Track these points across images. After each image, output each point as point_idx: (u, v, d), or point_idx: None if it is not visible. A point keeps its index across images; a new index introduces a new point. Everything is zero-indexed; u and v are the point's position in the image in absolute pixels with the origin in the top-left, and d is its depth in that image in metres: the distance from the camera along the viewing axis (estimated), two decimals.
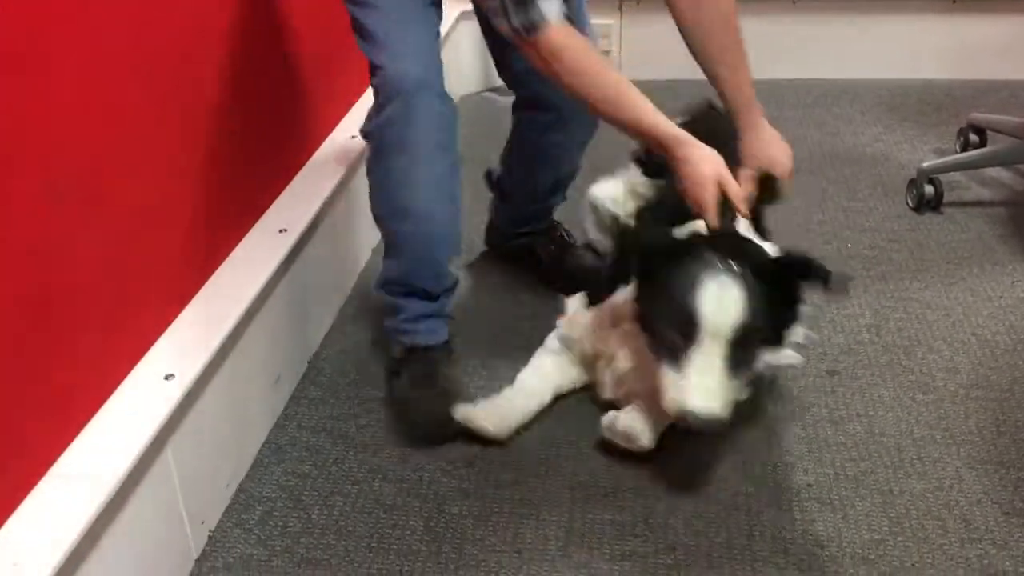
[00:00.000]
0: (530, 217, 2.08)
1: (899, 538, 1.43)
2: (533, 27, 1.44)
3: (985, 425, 1.65)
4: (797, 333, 1.53)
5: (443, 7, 1.66)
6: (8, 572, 1.05)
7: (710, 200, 1.44)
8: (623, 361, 1.60)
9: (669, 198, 1.62)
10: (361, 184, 2.10)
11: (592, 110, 1.53)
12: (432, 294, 1.68)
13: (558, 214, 2.10)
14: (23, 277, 1.12)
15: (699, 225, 1.52)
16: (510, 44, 1.50)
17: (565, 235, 2.10)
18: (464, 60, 2.99)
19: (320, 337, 1.92)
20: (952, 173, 2.43)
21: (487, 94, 3.05)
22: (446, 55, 1.66)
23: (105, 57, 1.27)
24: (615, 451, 1.60)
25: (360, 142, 2.09)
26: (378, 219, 1.68)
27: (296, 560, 1.41)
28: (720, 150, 1.49)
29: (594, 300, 1.69)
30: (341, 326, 1.96)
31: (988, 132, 2.59)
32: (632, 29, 3.10)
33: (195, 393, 1.39)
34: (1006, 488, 1.51)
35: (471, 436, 1.61)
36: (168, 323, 1.46)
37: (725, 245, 1.43)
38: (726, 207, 1.46)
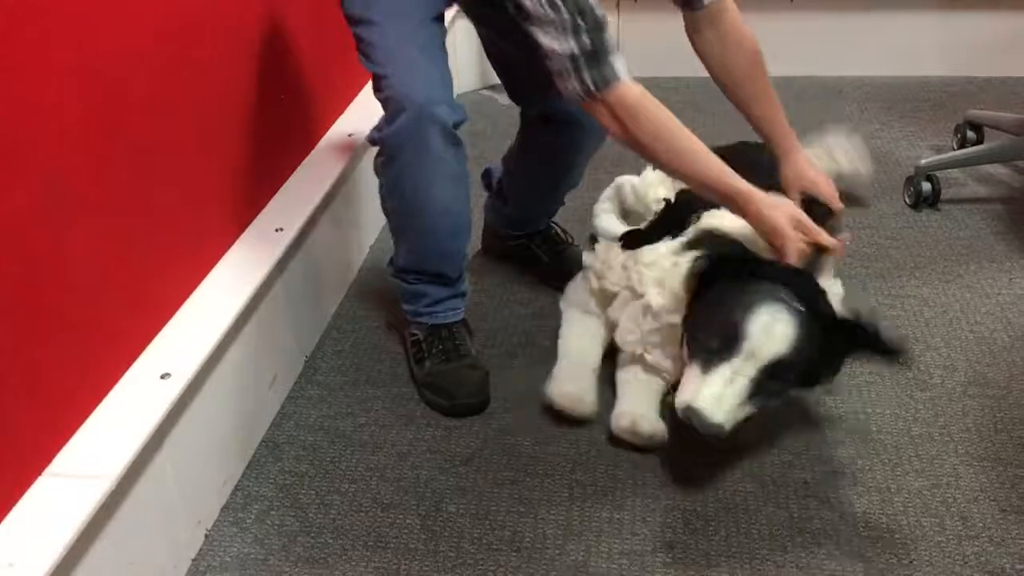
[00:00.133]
0: (530, 220, 2.08)
1: (897, 536, 1.43)
2: (606, 84, 1.43)
3: (983, 422, 1.65)
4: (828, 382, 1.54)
5: (444, 20, 1.65)
6: (4, 572, 1.05)
7: (791, 248, 1.44)
8: (656, 298, 1.61)
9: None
10: (358, 183, 2.11)
11: (658, 162, 1.53)
12: (451, 278, 1.72)
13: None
14: (18, 276, 1.12)
15: (715, 220, 1.53)
16: (520, 66, 1.48)
17: (563, 233, 2.10)
18: (460, 58, 2.98)
19: (317, 336, 1.91)
20: (950, 170, 2.43)
21: (484, 92, 3.05)
22: None
23: (100, 56, 1.26)
24: (612, 450, 1.60)
25: (357, 140, 2.10)
26: (391, 214, 1.69)
27: (293, 559, 1.41)
28: (759, 182, 1.51)
29: (632, 244, 1.73)
30: (338, 325, 1.96)
31: (985, 129, 2.59)
32: (630, 26, 3.09)
33: (191, 392, 1.39)
34: (1003, 485, 1.51)
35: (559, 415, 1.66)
36: (164, 322, 1.46)
37: (797, 282, 1.44)
38: (817, 254, 1.48)
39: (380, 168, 1.63)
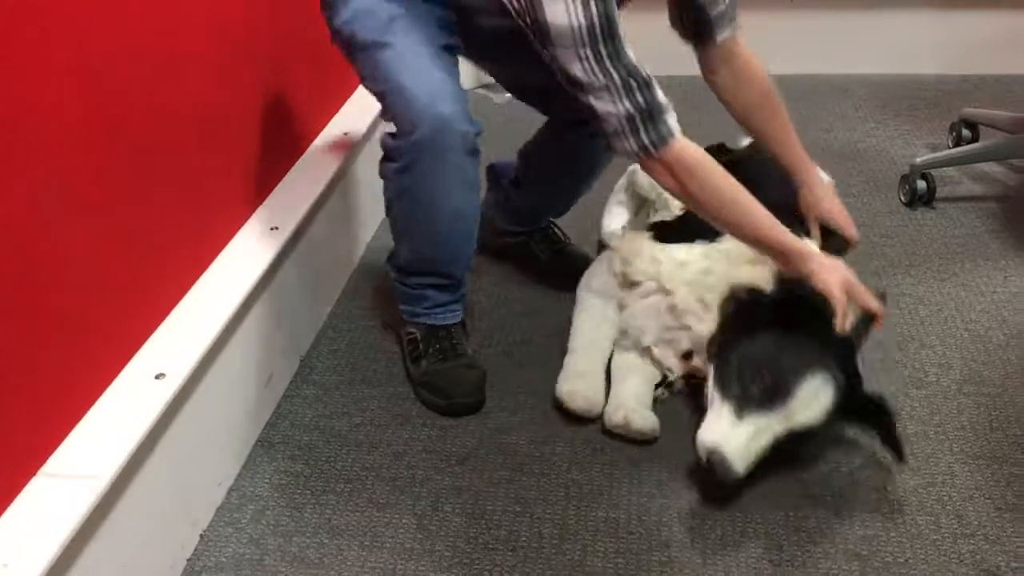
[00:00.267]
0: (537, 216, 2.08)
1: (892, 534, 1.43)
2: (663, 143, 1.47)
3: (978, 421, 1.65)
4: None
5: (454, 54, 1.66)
6: None
7: (838, 309, 1.45)
8: (685, 300, 1.61)
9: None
10: (354, 181, 2.11)
11: (711, 217, 1.55)
12: (456, 278, 1.73)
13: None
14: (12, 276, 1.12)
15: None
16: (553, 91, 1.51)
17: (561, 234, 2.10)
18: None
19: (313, 335, 1.91)
20: (945, 168, 2.43)
21: (479, 91, 3.04)
22: None
23: (94, 56, 1.26)
24: (608, 449, 1.60)
25: (354, 139, 2.10)
26: (401, 217, 1.67)
27: (289, 559, 1.41)
28: (766, 194, 1.54)
29: (663, 238, 1.73)
30: (334, 324, 1.96)
31: (980, 127, 2.59)
32: (625, 24, 3.09)
33: (186, 392, 1.38)
34: (999, 484, 1.52)
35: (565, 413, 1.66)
36: (159, 321, 1.45)
37: (840, 350, 1.46)
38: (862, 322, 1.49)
39: (392, 173, 1.61)
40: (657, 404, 1.66)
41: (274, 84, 1.86)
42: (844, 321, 1.44)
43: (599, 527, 1.45)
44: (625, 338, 1.72)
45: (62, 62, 1.18)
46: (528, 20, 1.46)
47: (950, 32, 3.12)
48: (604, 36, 1.43)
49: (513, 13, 1.49)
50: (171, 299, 1.49)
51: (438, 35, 1.60)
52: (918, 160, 2.36)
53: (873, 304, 1.47)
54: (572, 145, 1.88)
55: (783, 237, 1.51)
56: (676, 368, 1.64)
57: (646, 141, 1.47)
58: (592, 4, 1.41)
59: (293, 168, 1.95)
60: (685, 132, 1.49)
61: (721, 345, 1.52)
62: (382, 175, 1.63)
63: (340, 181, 2.03)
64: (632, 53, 1.47)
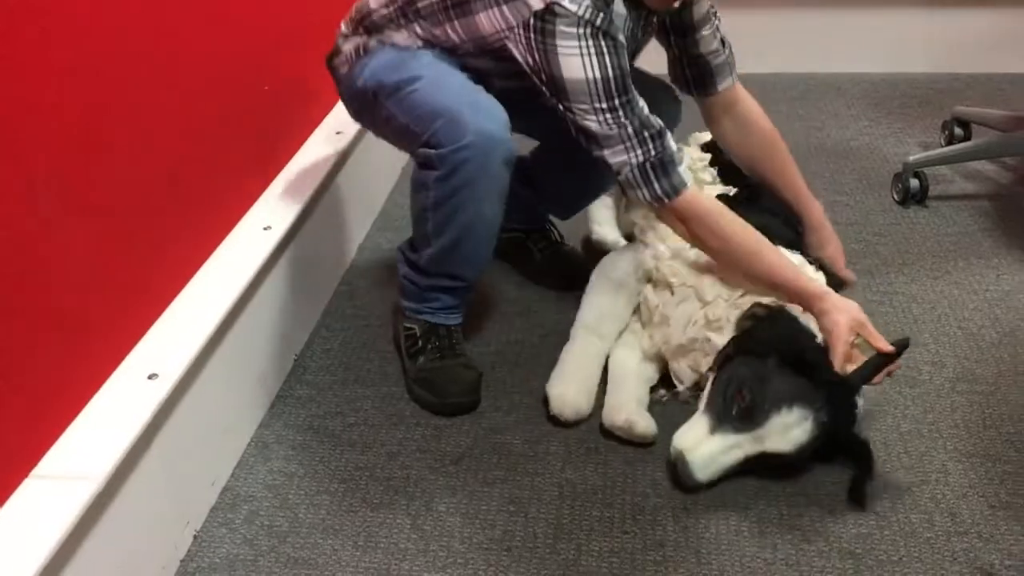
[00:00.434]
0: (538, 216, 2.07)
1: (886, 532, 1.43)
2: (676, 192, 1.53)
3: (971, 418, 1.65)
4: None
5: None
6: None
7: (839, 349, 1.46)
8: (711, 292, 1.62)
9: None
10: (347, 181, 2.10)
11: (726, 264, 1.60)
12: (470, 281, 1.72)
13: None
14: (6, 276, 1.11)
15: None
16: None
17: (557, 234, 2.10)
18: None
19: (306, 335, 1.91)
20: (937, 167, 2.44)
21: None
22: None
23: (90, 56, 1.25)
24: (602, 448, 1.60)
25: (347, 137, 2.09)
26: (438, 223, 1.63)
27: (283, 560, 1.41)
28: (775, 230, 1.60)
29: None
30: (327, 323, 1.95)
31: (973, 125, 2.60)
32: None
33: (179, 392, 1.38)
34: (992, 481, 1.52)
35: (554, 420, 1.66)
36: (152, 321, 1.45)
37: (837, 391, 1.47)
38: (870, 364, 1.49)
39: (433, 181, 1.57)
40: (655, 406, 1.65)
41: (269, 84, 1.86)
42: (842, 362, 1.46)
43: (593, 526, 1.45)
44: (634, 334, 1.71)
45: (62, 62, 1.18)
46: (544, 77, 1.50)
47: (942, 31, 3.13)
48: (619, 89, 1.47)
49: (528, 71, 1.52)
50: (164, 299, 1.49)
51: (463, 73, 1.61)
52: (911, 158, 2.36)
53: (884, 345, 1.47)
54: (587, 154, 1.87)
55: (797, 281, 1.54)
56: (687, 379, 1.64)
57: (659, 191, 1.53)
58: (607, 58, 1.45)
59: (286, 167, 1.95)
60: (688, 133, 1.50)
61: (726, 358, 1.53)
62: (420, 183, 1.60)
63: (333, 180, 2.02)
64: (644, 104, 1.51)
